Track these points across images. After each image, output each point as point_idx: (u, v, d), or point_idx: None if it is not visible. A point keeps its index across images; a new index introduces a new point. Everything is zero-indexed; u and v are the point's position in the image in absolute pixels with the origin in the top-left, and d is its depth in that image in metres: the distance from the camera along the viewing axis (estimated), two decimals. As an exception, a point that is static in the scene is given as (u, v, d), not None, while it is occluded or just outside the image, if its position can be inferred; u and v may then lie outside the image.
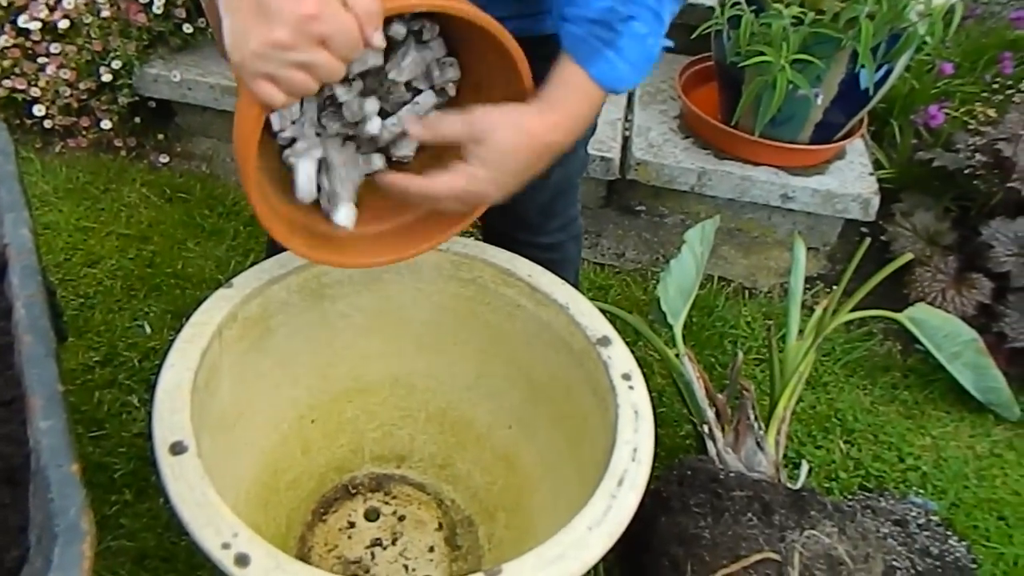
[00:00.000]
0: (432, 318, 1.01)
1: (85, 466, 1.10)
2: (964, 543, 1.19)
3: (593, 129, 1.06)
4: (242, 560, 0.64)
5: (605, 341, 0.87)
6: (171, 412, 0.73)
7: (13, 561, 0.54)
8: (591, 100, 0.74)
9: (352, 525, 1.06)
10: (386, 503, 1.09)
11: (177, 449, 0.71)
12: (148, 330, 1.36)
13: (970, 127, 1.64)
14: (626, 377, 0.83)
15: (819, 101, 1.44)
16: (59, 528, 0.50)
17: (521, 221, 1.06)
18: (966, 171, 1.54)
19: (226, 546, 0.64)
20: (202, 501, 0.67)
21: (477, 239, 1.01)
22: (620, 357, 0.85)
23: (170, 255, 1.52)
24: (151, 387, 0.75)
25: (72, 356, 1.28)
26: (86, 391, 1.23)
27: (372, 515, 1.08)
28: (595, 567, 0.68)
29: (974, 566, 1.16)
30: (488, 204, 0.79)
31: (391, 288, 0.98)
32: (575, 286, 0.94)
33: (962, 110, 1.71)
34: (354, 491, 1.10)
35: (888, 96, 1.62)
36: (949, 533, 1.21)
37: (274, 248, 0.99)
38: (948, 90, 1.76)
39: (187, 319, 0.82)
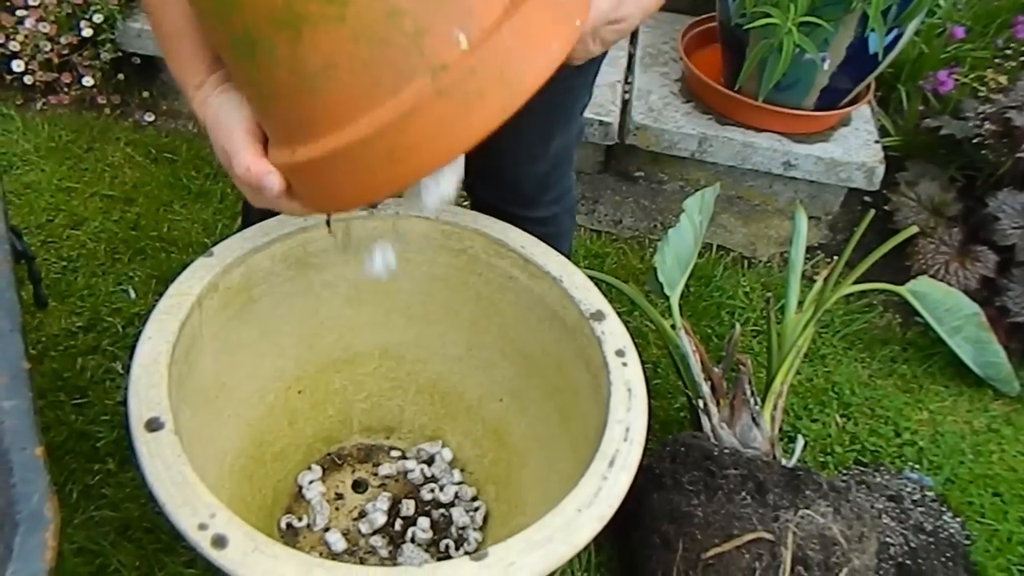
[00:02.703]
0: (422, 288, 0.98)
1: (67, 434, 1.09)
2: (958, 519, 1.19)
3: (590, 95, 1.01)
4: (219, 541, 0.62)
5: (599, 316, 0.84)
6: (147, 387, 0.71)
7: (-26, 548, 0.52)
8: None
9: (340, 496, 1.05)
10: (374, 474, 1.08)
11: (153, 426, 0.68)
12: (132, 295, 1.33)
13: (980, 94, 1.59)
14: (620, 353, 0.81)
15: (826, 66, 1.39)
16: (21, 516, 0.48)
17: (516, 194, 1.02)
18: (974, 140, 1.50)
19: (203, 527, 0.62)
20: (179, 480, 0.65)
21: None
22: (614, 332, 0.83)
23: (155, 217, 1.48)
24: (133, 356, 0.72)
25: (54, 321, 1.25)
26: (68, 357, 1.21)
27: (360, 487, 1.06)
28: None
29: (968, 543, 1.16)
30: None
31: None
32: (568, 258, 0.91)
33: (972, 76, 1.66)
34: (341, 462, 1.09)
35: (896, 61, 1.57)
36: (944, 509, 1.20)
37: (249, 217, 0.95)
38: (958, 55, 1.71)
39: (167, 288, 0.79)
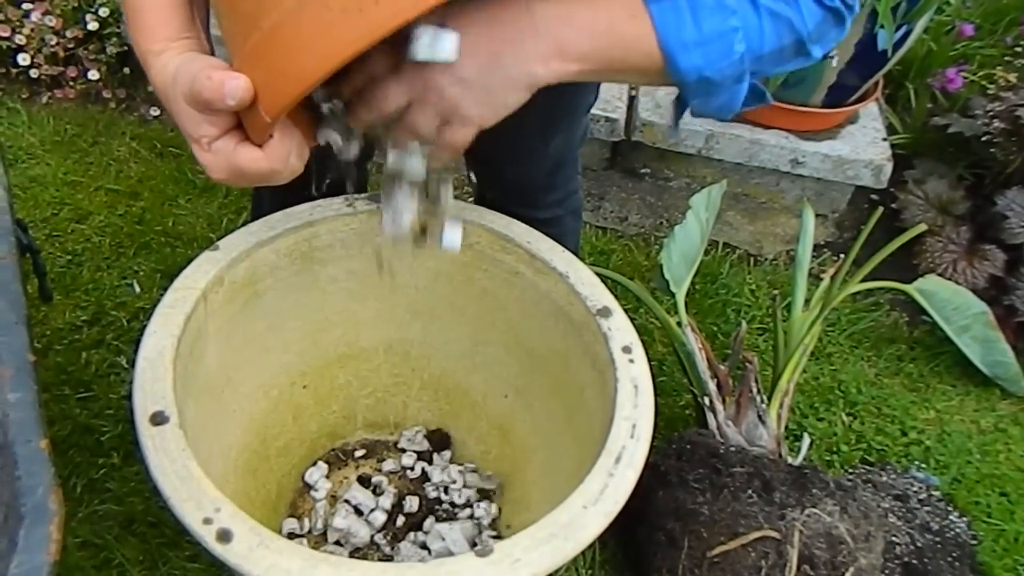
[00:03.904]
0: (427, 284, 0.98)
1: (72, 428, 1.09)
2: (965, 519, 1.18)
3: (595, 95, 1.01)
4: (224, 536, 0.61)
5: (606, 312, 0.84)
6: (152, 380, 0.70)
7: (-22, 540, 0.52)
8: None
9: (344, 493, 1.04)
10: (378, 470, 1.07)
11: (158, 419, 0.68)
12: (137, 289, 1.32)
13: (989, 92, 1.58)
14: (626, 350, 0.80)
15: (834, 62, 1.39)
16: (25, 508, 0.48)
17: (517, 194, 1.01)
18: (983, 138, 1.49)
19: (208, 521, 0.62)
20: (183, 474, 0.64)
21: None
22: (621, 329, 0.82)
23: (160, 212, 1.48)
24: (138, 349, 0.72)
25: (59, 315, 1.25)
26: (73, 351, 1.20)
27: (364, 482, 1.06)
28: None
29: (974, 542, 1.15)
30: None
31: (383, 252, 0.95)
32: (574, 256, 0.90)
33: (981, 74, 1.65)
34: (345, 458, 1.08)
35: (904, 58, 1.56)
36: (950, 509, 1.19)
37: (259, 209, 0.95)
38: (967, 53, 1.70)
39: (172, 282, 0.78)
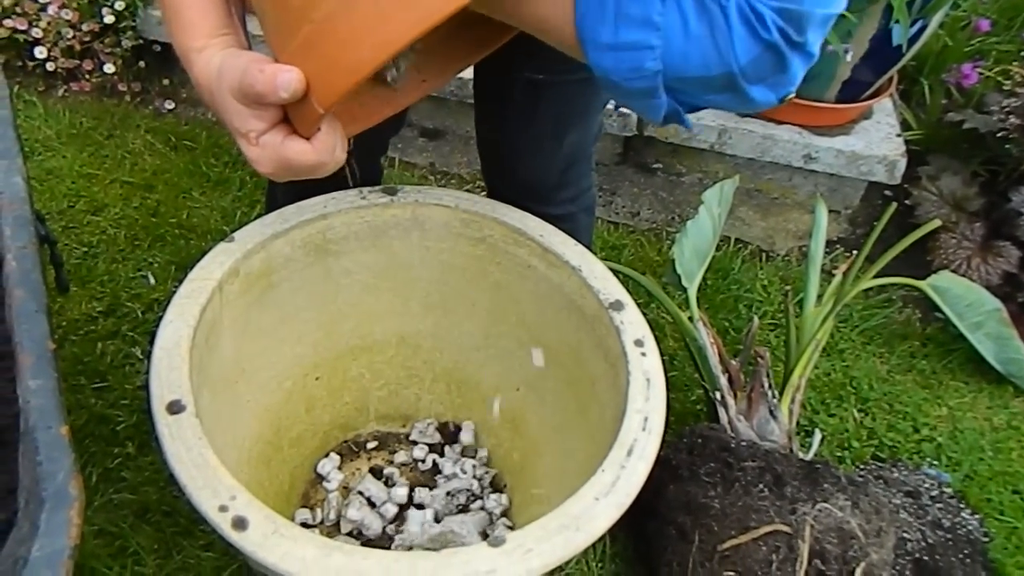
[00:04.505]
0: (440, 277, 0.98)
1: (87, 418, 1.10)
2: (977, 516, 1.18)
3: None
4: (240, 523, 0.62)
5: (618, 305, 0.84)
6: (169, 369, 0.71)
7: (0, 525, 0.53)
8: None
9: (356, 484, 1.05)
10: (390, 462, 1.08)
11: (175, 408, 0.68)
12: (152, 281, 1.34)
13: (1004, 87, 1.57)
14: (639, 343, 0.80)
15: (848, 57, 1.38)
16: (47, 493, 0.48)
17: (531, 191, 1.00)
18: (998, 134, 1.48)
19: (223, 509, 0.62)
20: (199, 462, 0.65)
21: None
22: (633, 322, 0.82)
23: (174, 204, 1.49)
24: (154, 340, 0.73)
25: (75, 306, 1.26)
26: (89, 342, 1.22)
27: (376, 474, 1.06)
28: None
29: (986, 539, 1.15)
30: None
31: (397, 245, 0.95)
32: (586, 251, 0.90)
33: (996, 69, 1.64)
34: (358, 450, 1.09)
35: (919, 54, 1.56)
36: (962, 506, 1.19)
37: (273, 202, 0.95)
38: (983, 48, 1.69)
39: (187, 273, 0.79)
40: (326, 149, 0.57)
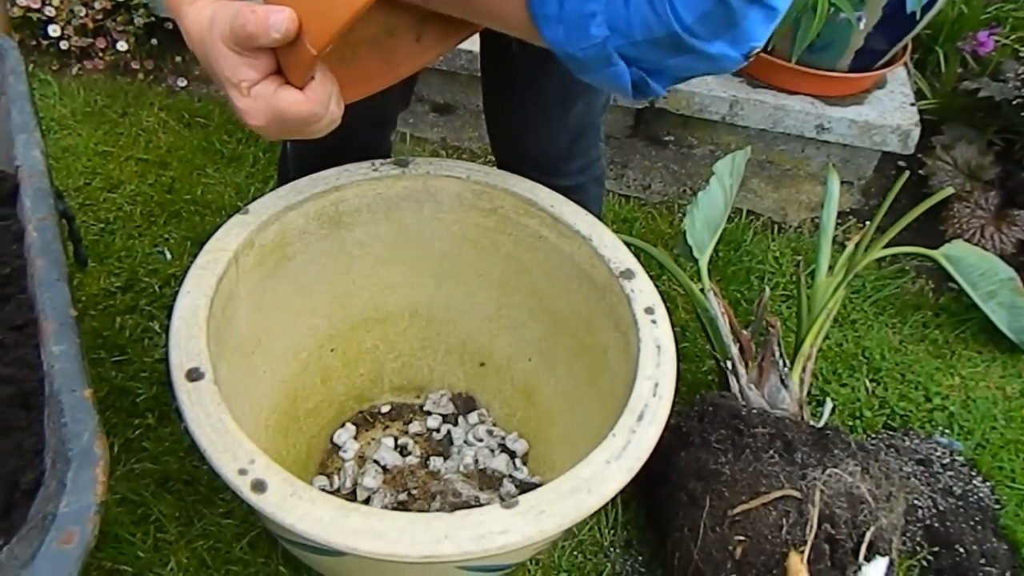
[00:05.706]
0: (452, 248, 0.99)
1: (108, 390, 1.12)
2: (988, 483, 1.18)
3: None
4: (259, 486, 0.64)
5: (628, 274, 0.85)
6: (187, 338, 0.73)
7: (29, 483, 0.54)
8: None
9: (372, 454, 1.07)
10: (404, 432, 1.10)
11: (194, 375, 0.70)
12: (168, 256, 1.35)
13: (1021, 55, 1.55)
14: (649, 311, 0.81)
15: (861, 25, 1.37)
16: (73, 452, 0.50)
17: (539, 163, 1.00)
18: (1014, 102, 1.46)
19: (243, 472, 0.64)
20: (219, 427, 0.67)
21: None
22: (643, 291, 0.83)
23: (189, 181, 1.50)
24: (171, 313, 0.74)
25: (93, 281, 1.28)
26: (107, 316, 1.24)
27: (392, 445, 1.08)
28: (611, 499, 0.67)
29: (997, 506, 1.15)
30: None
31: (409, 217, 0.96)
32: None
33: (1013, 37, 1.62)
34: (373, 420, 1.11)
35: (934, 21, 1.54)
36: (973, 473, 1.19)
37: (285, 177, 0.96)
38: (999, 15, 1.67)
39: (203, 245, 0.80)
40: (320, 100, 0.55)
